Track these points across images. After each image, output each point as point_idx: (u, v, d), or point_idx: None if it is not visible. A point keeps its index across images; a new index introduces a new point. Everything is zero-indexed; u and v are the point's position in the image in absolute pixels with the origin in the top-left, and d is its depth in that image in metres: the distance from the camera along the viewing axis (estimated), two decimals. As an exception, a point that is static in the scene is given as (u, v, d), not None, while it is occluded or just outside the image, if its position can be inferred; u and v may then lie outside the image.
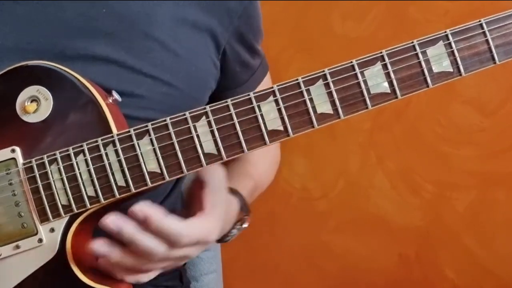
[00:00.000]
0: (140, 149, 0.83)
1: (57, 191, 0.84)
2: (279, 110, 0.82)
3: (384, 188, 1.89)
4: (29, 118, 0.86)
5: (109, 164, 0.83)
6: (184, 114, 0.83)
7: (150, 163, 0.83)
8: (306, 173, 1.94)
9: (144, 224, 0.80)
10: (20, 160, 0.85)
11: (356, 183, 1.92)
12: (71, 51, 0.94)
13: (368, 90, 0.81)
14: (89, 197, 0.84)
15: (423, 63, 0.81)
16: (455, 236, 1.84)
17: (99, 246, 0.82)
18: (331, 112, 0.82)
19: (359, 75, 0.81)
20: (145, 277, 0.86)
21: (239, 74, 1.11)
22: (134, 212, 0.80)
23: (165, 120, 0.83)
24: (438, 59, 0.81)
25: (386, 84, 0.81)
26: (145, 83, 0.96)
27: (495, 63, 0.81)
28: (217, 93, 1.08)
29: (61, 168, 0.84)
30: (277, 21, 1.93)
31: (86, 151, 0.84)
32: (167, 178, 0.83)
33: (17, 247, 0.84)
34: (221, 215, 0.88)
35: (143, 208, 0.80)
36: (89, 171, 0.84)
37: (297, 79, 0.82)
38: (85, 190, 0.83)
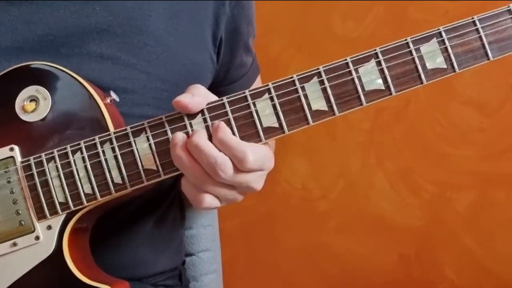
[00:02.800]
0: (136, 147, 0.84)
1: (54, 189, 0.85)
2: (274, 107, 0.82)
3: (384, 188, 1.89)
4: (28, 117, 0.87)
5: (106, 161, 0.84)
6: (180, 112, 0.83)
7: (146, 160, 0.84)
8: (306, 174, 1.94)
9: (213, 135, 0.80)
10: (18, 158, 0.86)
11: (356, 184, 1.92)
12: (66, 49, 0.94)
13: (362, 86, 0.82)
14: (86, 195, 0.84)
15: (417, 60, 0.82)
16: (455, 236, 1.84)
17: (178, 134, 0.81)
18: (326, 108, 0.82)
19: (353, 72, 0.82)
20: (206, 200, 0.83)
21: (232, 70, 1.12)
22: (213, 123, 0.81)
23: (161, 118, 0.84)
24: (432, 56, 0.82)
25: (380, 80, 0.82)
26: (139, 79, 0.97)
27: (489, 59, 0.82)
28: (210, 90, 1.08)
29: (59, 165, 0.85)
30: (277, 21, 1.93)
31: (84, 149, 0.85)
32: (163, 176, 0.84)
33: (14, 244, 0.85)
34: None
35: (220, 120, 0.81)
36: (86, 168, 0.84)
37: (292, 77, 0.83)
38: (82, 187, 0.84)
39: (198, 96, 0.83)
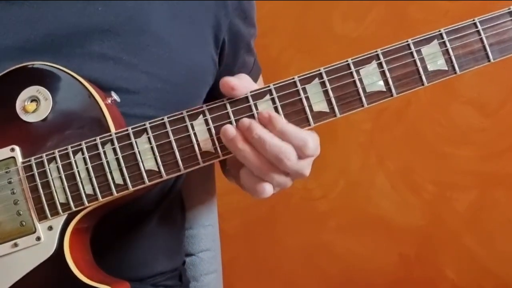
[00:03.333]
0: (138, 148, 0.84)
1: (55, 189, 0.84)
2: (276, 108, 0.82)
3: (385, 188, 1.89)
4: (29, 118, 0.86)
5: (107, 162, 0.84)
6: (182, 113, 0.84)
7: (148, 161, 0.84)
8: (307, 173, 1.94)
9: (269, 125, 0.81)
10: (19, 159, 0.86)
11: (356, 183, 1.93)
12: (68, 49, 0.94)
13: (363, 88, 0.82)
14: (87, 195, 0.84)
15: (418, 62, 0.82)
16: (455, 236, 1.84)
17: (229, 128, 0.82)
18: (327, 110, 0.83)
19: (354, 74, 0.82)
20: (267, 190, 0.84)
21: (235, 71, 1.12)
22: (259, 113, 0.82)
23: (162, 119, 0.84)
24: (433, 58, 0.82)
25: (381, 82, 0.82)
26: (141, 79, 0.96)
27: (489, 61, 0.82)
28: (211, 91, 1.08)
29: (60, 166, 0.85)
30: (277, 21, 1.94)
31: (85, 150, 0.84)
32: (165, 177, 0.84)
33: (15, 245, 0.85)
34: None
35: (267, 110, 0.82)
36: (87, 169, 0.84)
37: (293, 78, 0.83)
38: (83, 188, 0.84)
39: (245, 80, 0.84)
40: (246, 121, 0.82)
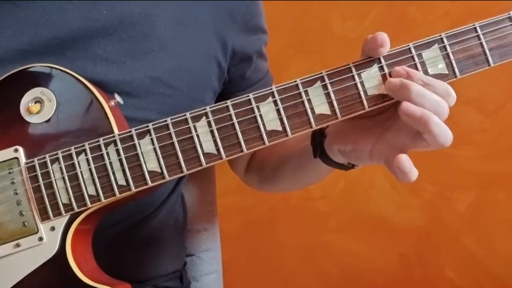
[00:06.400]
0: (140, 149, 0.84)
1: (58, 190, 0.85)
2: (278, 110, 0.83)
3: (384, 188, 1.90)
4: (33, 119, 0.87)
5: (110, 163, 0.84)
6: (185, 115, 0.84)
7: (151, 162, 0.84)
8: (307, 173, 1.94)
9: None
10: (23, 160, 0.86)
11: (356, 183, 1.93)
12: (72, 52, 0.94)
13: (365, 91, 0.83)
14: (89, 196, 0.84)
15: (419, 66, 0.82)
16: (455, 236, 1.84)
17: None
18: (329, 113, 0.83)
19: (356, 77, 0.83)
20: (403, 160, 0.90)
21: (248, 75, 1.12)
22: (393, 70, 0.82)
23: (165, 121, 0.84)
24: (434, 62, 0.83)
25: (383, 86, 0.83)
26: (143, 83, 0.97)
27: (489, 65, 0.83)
28: (225, 95, 1.08)
29: (63, 167, 0.85)
30: (277, 21, 1.94)
31: (88, 151, 0.85)
32: (167, 178, 0.84)
33: (18, 245, 0.85)
34: None
35: (403, 67, 0.81)
36: (90, 170, 0.84)
37: (295, 81, 0.83)
38: (86, 189, 0.84)
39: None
40: (402, 68, 0.81)
